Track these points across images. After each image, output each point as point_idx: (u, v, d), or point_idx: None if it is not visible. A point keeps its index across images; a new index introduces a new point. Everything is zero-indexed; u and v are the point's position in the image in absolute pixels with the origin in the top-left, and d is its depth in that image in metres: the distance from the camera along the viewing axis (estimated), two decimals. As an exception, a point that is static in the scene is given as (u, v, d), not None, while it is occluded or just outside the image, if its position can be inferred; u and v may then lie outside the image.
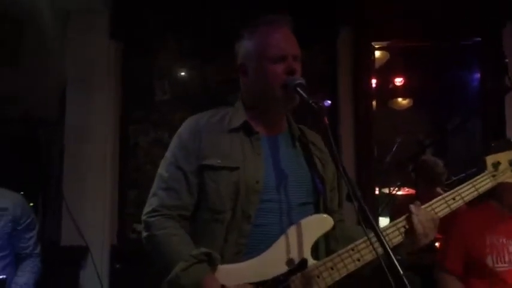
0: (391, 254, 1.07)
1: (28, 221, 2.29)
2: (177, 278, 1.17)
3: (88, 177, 3.07)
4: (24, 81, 3.40)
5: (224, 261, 1.23)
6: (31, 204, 2.75)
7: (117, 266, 3.06)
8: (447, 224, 1.95)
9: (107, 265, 3.03)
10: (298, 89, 1.30)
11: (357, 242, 1.29)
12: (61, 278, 2.80)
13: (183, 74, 3.41)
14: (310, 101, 1.26)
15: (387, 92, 4.98)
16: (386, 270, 1.05)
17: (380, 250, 1.22)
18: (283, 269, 1.23)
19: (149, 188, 3.47)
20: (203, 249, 1.21)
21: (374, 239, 1.17)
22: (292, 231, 1.28)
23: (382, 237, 1.11)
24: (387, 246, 1.09)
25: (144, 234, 1.31)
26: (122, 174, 3.26)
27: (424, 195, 2.68)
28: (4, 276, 1.54)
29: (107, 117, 3.17)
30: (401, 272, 1.03)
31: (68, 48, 3.26)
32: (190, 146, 1.35)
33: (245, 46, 1.43)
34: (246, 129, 1.38)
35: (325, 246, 1.37)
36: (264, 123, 1.41)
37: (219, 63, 3.27)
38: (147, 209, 1.34)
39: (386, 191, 3.95)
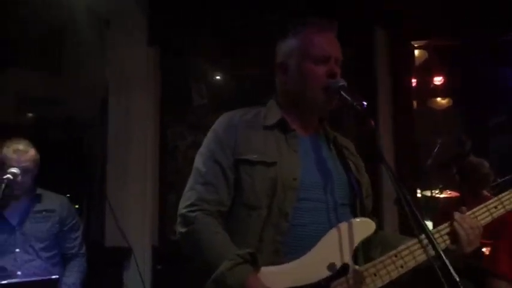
0: (445, 259, 1.04)
1: (73, 222, 2.35)
2: (223, 277, 1.15)
3: (130, 180, 3.14)
4: (67, 87, 3.55)
5: (262, 260, 1.21)
6: (76, 206, 2.85)
7: (159, 267, 3.12)
8: (496, 229, 1.89)
9: (149, 266, 3.09)
10: (342, 91, 1.29)
11: (400, 249, 1.27)
12: (105, 278, 2.88)
13: (219, 77, 3.44)
14: (355, 103, 1.25)
15: (426, 92, 4.87)
16: (440, 275, 1.03)
17: (423, 257, 1.22)
18: (325, 273, 1.21)
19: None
20: (248, 249, 1.20)
21: (422, 244, 1.15)
22: (333, 233, 1.26)
23: (436, 243, 1.08)
24: (441, 251, 1.06)
25: (183, 229, 1.29)
26: (162, 177, 3.33)
27: (470, 198, 2.61)
28: (57, 276, 1.59)
29: (146, 120, 3.24)
30: (457, 278, 1.01)
31: (108, 54, 3.36)
32: (226, 140, 1.34)
33: (288, 44, 1.43)
34: (282, 127, 1.38)
35: (363, 251, 1.34)
36: (299, 123, 1.41)
37: (254, 66, 3.29)
38: (184, 203, 1.32)
39: (427, 193, 3.84)
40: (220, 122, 1.41)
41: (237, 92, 3.35)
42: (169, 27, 3.39)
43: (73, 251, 2.32)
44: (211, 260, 1.20)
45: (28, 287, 1.48)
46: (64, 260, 2.31)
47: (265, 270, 1.20)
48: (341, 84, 1.32)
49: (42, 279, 1.85)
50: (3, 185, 1.85)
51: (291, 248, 1.25)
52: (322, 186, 1.33)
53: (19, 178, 2.02)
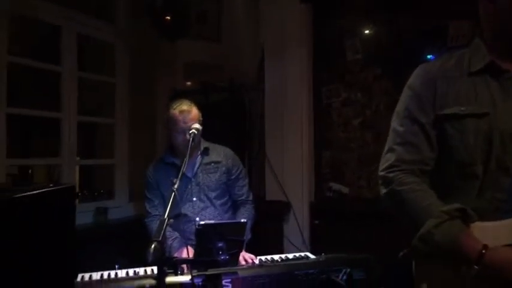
0: None
1: (239, 171, 2.47)
2: (430, 235, 1.12)
3: (286, 138, 3.25)
4: (227, 52, 3.78)
5: (479, 219, 1.12)
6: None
7: (316, 222, 3.20)
8: None
9: (307, 220, 3.20)
10: None
11: None
12: (268, 229, 3.07)
13: (373, 30, 3.26)
14: None
15: None
16: None
17: None
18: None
19: (342, 148, 3.46)
20: (456, 205, 1.13)
21: None
22: None
23: None
24: None
25: (384, 190, 1.27)
26: (317, 135, 3.36)
27: None
28: (245, 220, 1.74)
29: (301, 79, 3.27)
30: None
31: (261, 16, 3.45)
32: (424, 95, 1.25)
33: None
34: (493, 70, 1.20)
35: None
36: None
37: (412, 14, 3.02)
38: (383, 164, 1.29)
39: None
40: (416, 76, 1.32)
41: (392, 45, 3.14)
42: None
43: (242, 198, 2.46)
44: (416, 219, 1.17)
45: (223, 228, 1.65)
46: (234, 207, 2.47)
47: (480, 225, 1.12)
48: None
49: (235, 222, 2.04)
50: (190, 139, 2.07)
51: None
52: None
53: (200, 132, 2.23)
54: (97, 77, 3.39)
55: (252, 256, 2.15)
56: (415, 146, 1.24)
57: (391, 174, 1.25)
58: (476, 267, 1.06)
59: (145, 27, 3.39)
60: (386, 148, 1.32)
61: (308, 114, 3.30)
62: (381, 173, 1.28)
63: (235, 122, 3.44)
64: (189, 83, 3.92)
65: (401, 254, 1.27)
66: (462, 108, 1.18)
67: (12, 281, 1.02)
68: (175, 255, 2.15)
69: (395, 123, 1.31)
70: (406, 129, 1.26)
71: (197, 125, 2.17)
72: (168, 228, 2.19)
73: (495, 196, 1.14)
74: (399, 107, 1.32)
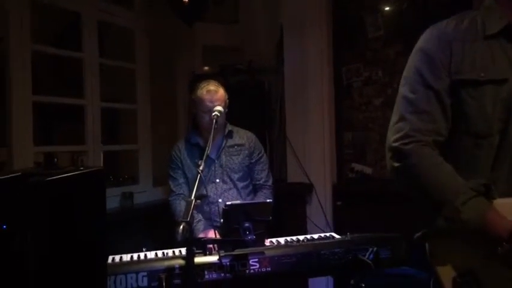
0: None
1: (260, 155, 2.49)
2: (457, 212, 1.07)
3: (307, 119, 3.22)
4: (246, 34, 3.74)
5: (498, 194, 1.08)
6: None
7: (339, 203, 3.20)
8: None
9: (329, 201, 3.19)
10: None
11: None
12: (291, 210, 3.08)
13: (395, 5, 3.19)
14: None
15: None
16: None
17: None
18: None
19: (364, 129, 3.42)
20: (481, 180, 1.09)
21: None
22: None
23: None
24: None
25: (396, 164, 1.18)
26: (338, 115, 3.33)
27: None
28: (271, 200, 1.76)
29: (321, 59, 3.23)
30: None
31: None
32: (439, 59, 1.16)
33: None
34: (509, 33, 1.13)
35: None
36: None
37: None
38: (395, 135, 1.19)
39: None
40: (427, 38, 1.21)
41: (415, 20, 3.06)
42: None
43: (260, 182, 2.47)
44: (437, 195, 1.11)
45: (249, 208, 1.67)
46: (255, 192, 2.49)
47: (502, 201, 1.08)
48: None
49: (261, 202, 2.06)
50: (214, 121, 2.09)
51: None
52: None
53: (224, 114, 2.25)
54: (118, 63, 3.41)
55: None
56: (429, 115, 1.16)
57: (406, 147, 1.15)
58: (506, 244, 1.03)
59: (163, 11, 3.38)
60: (396, 117, 1.21)
61: (329, 95, 3.26)
62: (394, 144, 1.18)
63: (255, 105, 3.43)
64: (206, 68, 3.91)
65: (416, 235, 1.23)
66: (481, 74, 1.11)
67: (49, 262, 1.05)
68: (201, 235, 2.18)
69: (404, 89, 1.21)
70: (418, 96, 1.17)
71: (220, 108, 2.18)
72: (193, 210, 2.22)
73: None
74: (408, 71, 1.23)
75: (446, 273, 1.12)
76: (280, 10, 3.41)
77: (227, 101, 2.35)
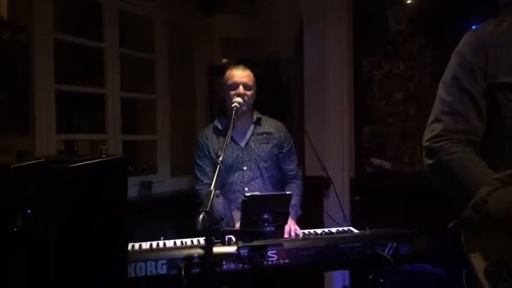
0: None
1: (290, 145, 2.45)
2: (483, 203, 1.08)
3: (326, 112, 3.20)
4: (264, 26, 3.72)
5: None
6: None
7: (356, 197, 3.17)
8: None
9: (347, 196, 3.18)
10: None
11: None
12: (308, 204, 3.04)
13: (417, -1, 3.12)
14: None
15: None
16: None
17: None
18: None
19: (384, 123, 3.38)
20: (508, 171, 1.08)
21: None
22: None
23: None
24: None
25: (429, 161, 1.23)
26: (357, 109, 3.29)
27: None
28: (290, 192, 1.74)
29: (341, 51, 3.19)
30: None
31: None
32: (475, 63, 1.18)
33: None
34: None
35: None
36: None
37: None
38: (429, 134, 1.25)
39: None
40: (465, 42, 1.24)
41: (438, 13, 2.99)
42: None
43: (292, 173, 2.44)
44: (466, 187, 1.13)
45: (268, 200, 1.67)
46: (282, 183, 2.45)
47: None
48: None
49: (280, 193, 2.04)
50: (233, 111, 2.09)
51: None
52: None
53: (244, 107, 2.23)
54: (138, 53, 3.43)
55: (298, 229, 2.15)
56: (463, 116, 1.19)
57: (437, 144, 1.21)
58: None
59: (182, 1, 3.38)
60: (431, 118, 1.27)
61: (348, 88, 3.23)
62: (426, 144, 1.25)
63: (273, 98, 3.40)
64: (224, 60, 3.90)
65: (450, 225, 1.24)
66: None
67: (71, 246, 1.07)
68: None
69: (442, 92, 1.26)
70: (454, 99, 1.21)
71: (239, 99, 2.18)
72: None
73: None
74: (446, 75, 1.26)
75: (480, 263, 1.13)
76: (300, 2, 3.37)
77: (255, 87, 2.35)
